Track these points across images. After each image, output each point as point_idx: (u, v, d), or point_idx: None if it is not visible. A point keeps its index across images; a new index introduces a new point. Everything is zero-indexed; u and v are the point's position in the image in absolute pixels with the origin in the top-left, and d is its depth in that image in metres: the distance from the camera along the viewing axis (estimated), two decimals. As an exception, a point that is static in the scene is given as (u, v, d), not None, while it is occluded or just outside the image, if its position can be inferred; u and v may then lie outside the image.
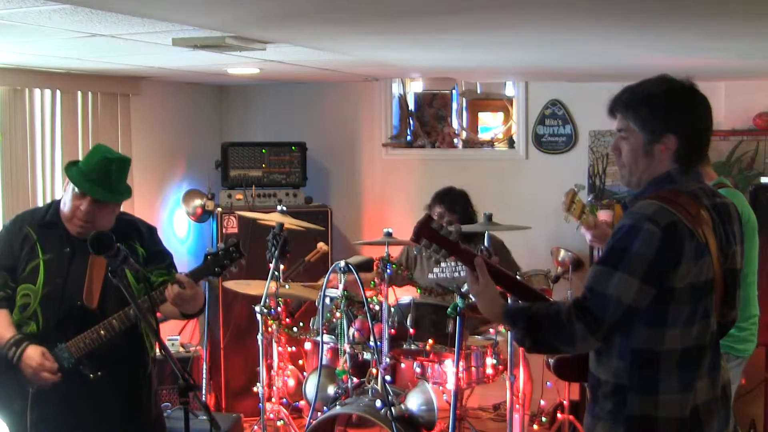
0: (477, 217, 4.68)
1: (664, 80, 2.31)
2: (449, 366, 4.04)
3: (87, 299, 2.99)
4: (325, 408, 4.23)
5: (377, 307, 4.15)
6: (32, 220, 3.11)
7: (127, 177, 3.11)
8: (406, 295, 4.42)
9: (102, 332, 2.94)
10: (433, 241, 2.41)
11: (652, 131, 2.27)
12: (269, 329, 4.49)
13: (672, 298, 2.17)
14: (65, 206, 3.04)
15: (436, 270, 4.91)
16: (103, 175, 2.98)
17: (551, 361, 2.48)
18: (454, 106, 6.32)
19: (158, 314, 3.22)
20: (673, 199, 2.20)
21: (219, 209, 5.53)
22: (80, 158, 3.63)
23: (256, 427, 4.86)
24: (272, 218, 4.51)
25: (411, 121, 6.19)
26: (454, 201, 4.87)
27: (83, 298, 2.99)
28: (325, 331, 4.28)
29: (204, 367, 5.31)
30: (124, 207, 4.65)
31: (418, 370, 4.16)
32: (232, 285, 4.76)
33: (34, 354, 2.93)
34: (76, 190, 2.99)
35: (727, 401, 2.34)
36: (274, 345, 4.59)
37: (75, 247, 3.03)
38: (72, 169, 3.05)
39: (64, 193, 3.07)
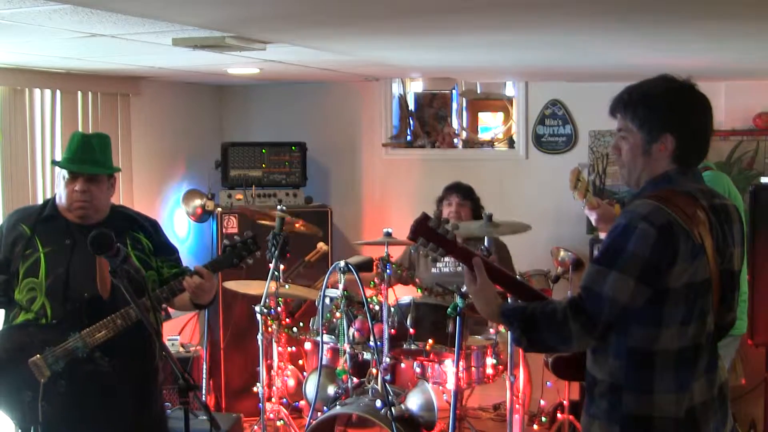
0: (483, 211, 4.74)
1: (663, 80, 2.31)
2: (449, 366, 4.04)
3: (101, 289, 3.01)
4: (325, 408, 4.23)
5: (377, 307, 4.15)
6: (27, 217, 3.15)
7: (111, 153, 3.19)
8: (406, 295, 4.42)
9: (119, 321, 2.97)
10: (430, 239, 2.41)
11: (650, 131, 2.27)
12: (269, 329, 4.48)
13: (667, 298, 2.17)
14: (61, 198, 3.12)
15: (439, 264, 4.93)
16: (86, 152, 3.08)
17: (549, 360, 2.48)
18: (454, 106, 6.32)
19: (162, 313, 3.24)
20: (670, 199, 2.20)
21: (219, 209, 5.53)
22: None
23: (256, 427, 4.86)
24: (274, 219, 4.51)
25: (411, 121, 6.19)
26: (468, 190, 5.00)
27: (97, 288, 3.01)
28: (325, 331, 4.28)
29: (204, 367, 5.30)
30: (124, 204, 4.67)
31: (418, 370, 4.16)
32: (232, 285, 4.76)
33: None
34: (67, 175, 3.07)
35: (725, 402, 2.34)
36: (274, 345, 4.59)
37: (75, 238, 3.07)
38: (58, 162, 3.16)
39: (57, 189, 3.14)
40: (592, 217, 3.29)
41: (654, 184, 2.29)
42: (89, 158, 3.07)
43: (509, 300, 2.45)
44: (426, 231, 2.41)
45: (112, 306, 2.99)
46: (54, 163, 3.21)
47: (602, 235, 3.43)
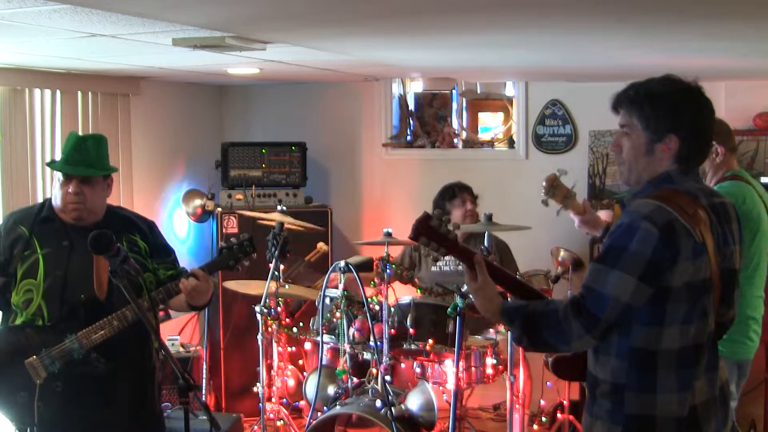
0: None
1: (670, 80, 2.31)
2: (449, 366, 4.04)
3: (98, 290, 3.01)
4: (325, 408, 4.23)
5: (377, 307, 4.15)
6: (25, 219, 3.16)
7: (107, 154, 3.19)
8: (406, 295, 4.42)
9: (115, 323, 2.97)
10: (432, 239, 2.41)
11: (655, 131, 2.27)
12: (269, 329, 4.48)
13: (669, 297, 2.17)
14: (56, 199, 3.13)
15: (439, 263, 4.93)
16: (80, 153, 3.08)
17: (549, 360, 2.48)
18: (454, 106, 6.32)
19: (161, 313, 3.23)
20: (671, 199, 2.20)
21: (219, 209, 5.53)
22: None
23: (256, 427, 4.86)
24: (272, 218, 4.51)
25: (411, 121, 6.19)
26: (472, 190, 5.00)
27: (94, 289, 3.01)
28: (325, 331, 4.28)
29: (204, 367, 5.30)
30: (124, 204, 4.68)
31: (418, 370, 4.16)
32: (232, 285, 4.76)
33: None
34: (61, 177, 3.09)
35: (725, 401, 2.35)
36: (274, 345, 4.59)
37: (73, 240, 3.08)
38: (53, 163, 3.18)
39: (53, 190, 3.15)
40: (576, 221, 3.28)
41: (655, 183, 2.30)
42: (83, 160, 3.08)
43: (510, 299, 2.46)
44: (428, 230, 2.41)
45: (108, 307, 2.99)
46: (49, 165, 3.20)
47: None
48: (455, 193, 4.96)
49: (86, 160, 3.08)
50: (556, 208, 3.37)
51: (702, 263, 2.19)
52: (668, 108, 2.27)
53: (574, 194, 3.36)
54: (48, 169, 4.60)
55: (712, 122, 2.35)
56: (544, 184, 3.26)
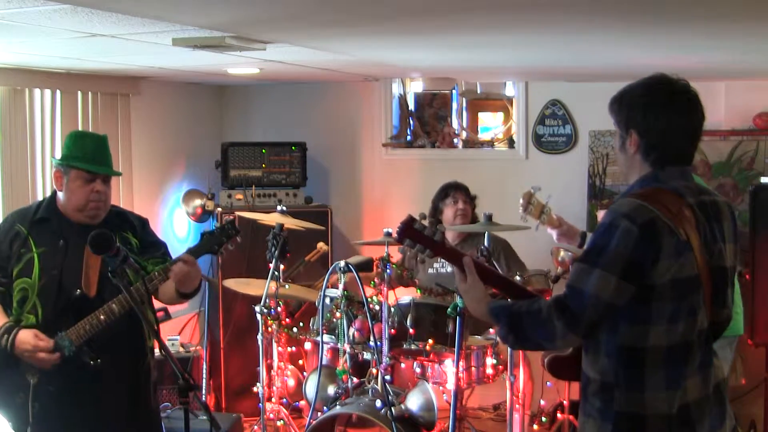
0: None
1: (647, 78, 2.34)
2: (449, 366, 4.04)
3: (85, 287, 3.01)
4: (325, 408, 4.22)
5: (377, 307, 4.15)
6: (23, 218, 3.15)
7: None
8: (406, 295, 4.42)
9: (102, 317, 2.95)
10: (417, 241, 2.43)
11: (624, 127, 2.33)
12: (269, 329, 4.48)
13: (653, 295, 2.18)
14: (71, 198, 3.09)
15: (436, 265, 4.93)
16: (102, 154, 3.11)
17: (545, 359, 2.50)
18: (454, 106, 6.32)
19: (160, 313, 3.22)
20: (654, 197, 2.22)
21: (219, 209, 5.53)
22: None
23: (256, 427, 4.87)
24: (272, 218, 4.51)
25: (411, 121, 6.19)
26: (468, 191, 5.01)
27: (81, 286, 3.00)
28: (325, 331, 4.28)
29: (204, 367, 5.31)
30: (124, 204, 4.68)
31: (418, 370, 4.15)
32: (232, 285, 4.76)
33: (26, 337, 2.93)
34: (84, 176, 3.05)
35: (722, 400, 2.34)
36: (274, 345, 4.59)
37: (68, 239, 3.08)
38: (69, 160, 3.09)
39: (68, 184, 3.09)
40: (554, 234, 3.31)
41: (641, 182, 2.32)
42: (106, 160, 3.12)
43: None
44: (412, 233, 2.43)
45: (99, 304, 2.98)
46: (65, 162, 3.10)
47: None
48: (448, 192, 5.00)
49: (108, 160, 3.13)
50: (534, 224, 3.42)
51: (686, 261, 2.19)
52: (628, 104, 2.32)
53: (549, 209, 3.40)
54: (48, 169, 4.60)
55: (688, 120, 2.30)
56: (521, 201, 3.30)
